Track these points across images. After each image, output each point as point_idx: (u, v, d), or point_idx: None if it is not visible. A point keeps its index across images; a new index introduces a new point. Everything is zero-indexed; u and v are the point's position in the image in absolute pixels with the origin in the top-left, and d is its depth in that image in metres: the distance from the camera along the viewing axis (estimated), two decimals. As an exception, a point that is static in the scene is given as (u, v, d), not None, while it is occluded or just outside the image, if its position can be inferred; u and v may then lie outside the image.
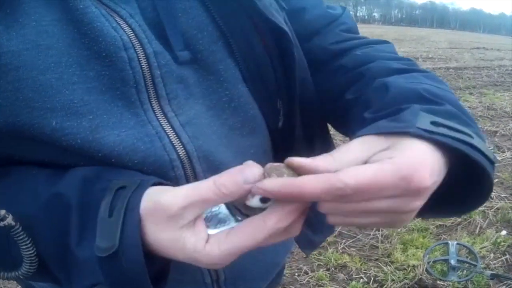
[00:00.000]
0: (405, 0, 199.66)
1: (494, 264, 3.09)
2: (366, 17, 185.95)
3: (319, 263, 3.13)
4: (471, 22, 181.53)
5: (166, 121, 0.67)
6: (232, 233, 0.53)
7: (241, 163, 0.61)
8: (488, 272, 2.29)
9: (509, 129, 6.55)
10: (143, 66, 0.63)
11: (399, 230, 3.57)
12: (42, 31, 0.59)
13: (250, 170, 0.52)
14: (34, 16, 0.59)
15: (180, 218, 0.52)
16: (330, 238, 3.36)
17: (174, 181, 0.66)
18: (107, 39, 0.61)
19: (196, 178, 0.69)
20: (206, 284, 0.81)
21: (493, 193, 4.03)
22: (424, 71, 0.79)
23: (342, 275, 3.02)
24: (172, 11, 0.67)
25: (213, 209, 0.57)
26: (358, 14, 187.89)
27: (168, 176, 0.66)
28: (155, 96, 0.66)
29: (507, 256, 3.21)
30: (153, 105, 0.66)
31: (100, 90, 0.62)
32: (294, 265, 3.11)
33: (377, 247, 3.34)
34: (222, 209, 0.57)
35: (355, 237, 3.46)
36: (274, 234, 0.53)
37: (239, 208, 0.55)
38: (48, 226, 0.57)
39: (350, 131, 0.73)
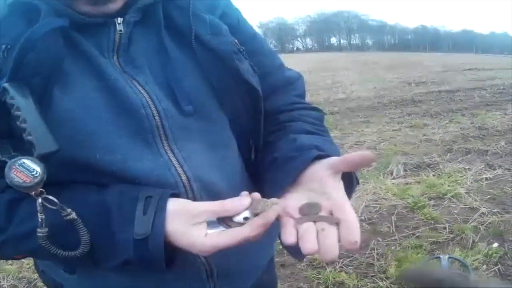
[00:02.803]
0: (397, 26, 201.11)
1: (487, 274, 3.22)
2: (360, 44, 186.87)
3: (318, 281, 3.28)
4: (463, 43, 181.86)
5: (173, 155, 0.95)
6: (221, 234, 0.83)
7: (230, 183, 1.03)
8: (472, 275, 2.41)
9: (500, 147, 6.74)
10: (156, 119, 0.93)
11: (393, 248, 3.74)
12: (86, 96, 0.89)
13: (245, 199, 0.85)
14: (79, 84, 0.89)
15: (197, 218, 0.83)
16: (328, 258, 3.51)
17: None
18: (131, 101, 0.91)
19: (193, 194, 0.96)
20: (202, 279, 1.06)
21: (484, 208, 4.26)
22: (326, 136, 1.13)
23: (340, 291, 3.16)
24: (177, 77, 0.97)
25: (211, 219, 0.86)
26: (352, 42, 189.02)
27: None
28: (165, 139, 0.95)
29: (499, 266, 3.36)
30: (164, 145, 0.95)
31: (128, 135, 0.92)
32: (294, 284, 3.28)
33: (373, 265, 3.49)
34: (215, 220, 0.86)
35: (352, 256, 3.61)
36: (247, 239, 0.82)
37: (225, 221, 0.85)
38: (96, 220, 0.85)
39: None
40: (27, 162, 0.79)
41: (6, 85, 0.81)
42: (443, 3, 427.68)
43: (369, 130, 8.36)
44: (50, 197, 0.82)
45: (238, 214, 0.84)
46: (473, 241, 3.80)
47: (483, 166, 5.83)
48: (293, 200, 0.89)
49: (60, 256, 0.85)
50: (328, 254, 0.77)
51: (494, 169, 5.68)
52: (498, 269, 3.31)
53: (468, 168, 5.75)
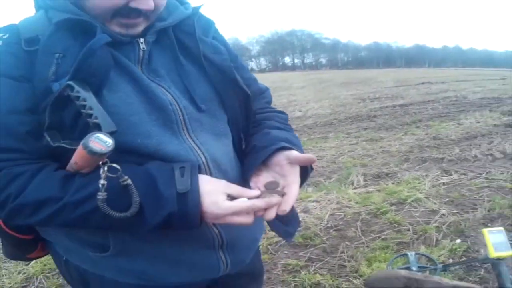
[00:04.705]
0: (350, 43, 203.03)
1: (454, 267, 3.41)
2: (314, 63, 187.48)
3: (295, 283, 3.46)
4: (416, 58, 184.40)
5: (192, 141, 1.23)
6: (236, 201, 1.11)
7: (230, 163, 1.33)
8: (440, 266, 2.60)
9: (455, 154, 7.17)
10: (179, 114, 1.21)
11: (362, 249, 3.97)
12: (127, 95, 1.16)
13: (257, 192, 1.17)
14: (120, 88, 1.16)
15: (226, 188, 1.13)
16: (301, 263, 3.76)
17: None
18: (161, 99, 1.19)
19: (210, 170, 1.23)
20: (214, 246, 1.31)
21: (444, 210, 4.54)
22: (291, 131, 1.48)
23: (317, 291, 3.36)
24: (191, 84, 1.27)
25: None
26: (305, 61, 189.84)
27: None
28: (185, 129, 1.23)
29: (464, 259, 3.59)
30: (185, 133, 1.23)
31: (159, 125, 1.18)
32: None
33: (345, 266, 3.70)
34: None
35: (323, 259, 3.84)
36: (253, 208, 1.11)
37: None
38: (145, 183, 1.08)
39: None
40: (101, 135, 1.00)
41: (70, 82, 1.04)
42: (395, 19, 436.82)
43: (328, 145, 8.69)
44: (114, 165, 1.03)
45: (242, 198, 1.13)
46: (437, 239, 4.06)
47: (439, 172, 6.19)
48: (263, 177, 1.26)
49: (113, 217, 1.03)
50: (267, 215, 1.14)
51: (451, 175, 6.04)
52: (465, 267, 3.50)
53: (426, 175, 6.09)
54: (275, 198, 1.15)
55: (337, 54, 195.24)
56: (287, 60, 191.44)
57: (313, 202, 5.24)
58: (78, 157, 1.04)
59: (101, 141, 1.00)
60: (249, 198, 1.12)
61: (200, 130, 1.25)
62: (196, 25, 1.33)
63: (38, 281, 3.68)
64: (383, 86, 24.66)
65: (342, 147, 8.49)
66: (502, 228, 1.82)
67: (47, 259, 3.85)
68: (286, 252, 4.03)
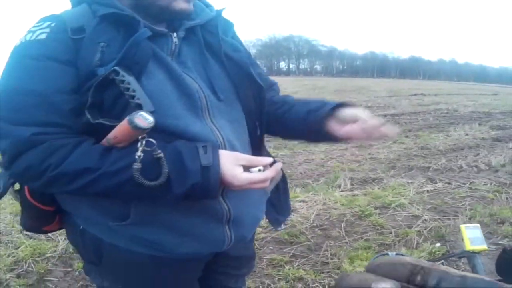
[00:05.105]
0: (346, 52, 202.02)
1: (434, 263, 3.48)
2: (309, 69, 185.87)
3: (279, 277, 3.56)
4: (411, 69, 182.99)
5: (213, 125, 1.38)
6: (252, 173, 1.26)
7: (242, 145, 1.46)
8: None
9: (441, 164, 7.33)
10: (203, 101, 1.37)
11: (345, 248, 4.08)
12: (161, 83, 1.31)
13: (269, 159, 1.30)
14: (155, 75, 1.31)
15: (239, 161, 1.26)
16: (285, 258, 3.85)
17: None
18: (190, 87, 1.35)
19: (225, 150, 1.34)
20: (222, 221, 1.43)
21: (426, 216, 4.65)
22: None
23: (300, 285, 3.46)
24: (214, 76, 1.44)
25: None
26: (300, 67, 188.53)
27: None
28: (208, 114, 1.38)
29: (443, 261, 3.59)
30: (207, 118, 1.38)
31: (187, 109, 1.33)
32: (258, 280, 3.54)
33: (328, 263, 3.81)
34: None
35: (307, 256, 3.94)
36: (262, 180, 1.26)
37: (247, 170, 1.27)
38: (173, 158, 1.21)
39: (288, 125, 1.69)
40: (144, 114, 1.14)
41: (116, 68, 1.20)
42: (393, 30, 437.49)
43: (317, 150, 8.75)
44: (151, 139, 1.18)
45: (255, 167, 1.27)
46: (418, 242, 4.19)
47: (424, 180, 6.35)
48: (347, 127, 1.52)
49: (144, 185, 1.16)
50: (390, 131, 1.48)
51: (435, 183, 6.20)
52: (442, 263, 3.54)
53: (411, 182, 6.24)
54: (279, 164, 1.33)
55: (332, 61, 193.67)
56: (282, 65, 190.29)
57: (300, 202, 5.34)
58: (119, 132, 1.18)
59: (144, 118, 1.13)
60: (264, 165, 1.27)
61: (219, 116, 1.41)
62: (219, 26, 1.49)
63: (27, 265, 3.68)
64: (376, 95, 24.87)
65: (331, 152, 8.59)
66: (478, 225, 1.92)
67: (37, 244, 3.96)
68: (271, 248, 4.11)
